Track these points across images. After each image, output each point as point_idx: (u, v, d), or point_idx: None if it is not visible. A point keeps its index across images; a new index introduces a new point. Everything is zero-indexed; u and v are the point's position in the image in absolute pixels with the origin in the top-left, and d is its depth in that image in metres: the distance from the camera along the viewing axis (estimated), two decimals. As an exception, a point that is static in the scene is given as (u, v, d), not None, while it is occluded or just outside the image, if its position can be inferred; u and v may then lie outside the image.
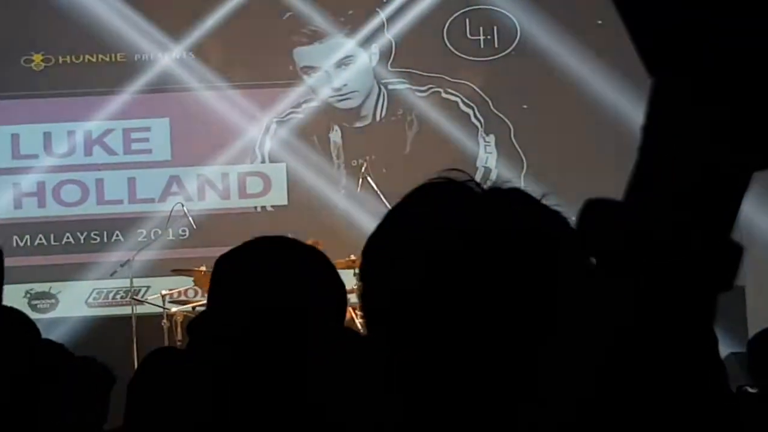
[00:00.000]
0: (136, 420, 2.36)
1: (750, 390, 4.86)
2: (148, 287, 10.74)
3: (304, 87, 11.83)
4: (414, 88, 11.89)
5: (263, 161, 11.83)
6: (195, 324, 2.43)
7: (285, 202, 11.77)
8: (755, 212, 10.96)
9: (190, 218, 10.95)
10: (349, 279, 9.98)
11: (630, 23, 1.25)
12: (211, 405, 2.14)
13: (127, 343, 10.05)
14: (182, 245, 11.12)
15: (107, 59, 11.51)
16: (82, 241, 11.31)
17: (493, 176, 11.25)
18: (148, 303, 10.17)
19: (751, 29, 1.16)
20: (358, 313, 9.53)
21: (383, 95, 11.96)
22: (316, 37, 11.82)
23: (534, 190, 1.35)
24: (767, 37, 1.15)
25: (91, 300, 11.16)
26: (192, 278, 10.03)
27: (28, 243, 11.28)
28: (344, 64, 11.88)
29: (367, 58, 11.90)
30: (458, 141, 11.69)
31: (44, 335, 3.21)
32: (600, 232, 1.22)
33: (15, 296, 10.26)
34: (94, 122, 11.41)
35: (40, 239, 11.31)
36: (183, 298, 10.25)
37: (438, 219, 1.28)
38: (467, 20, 11.93)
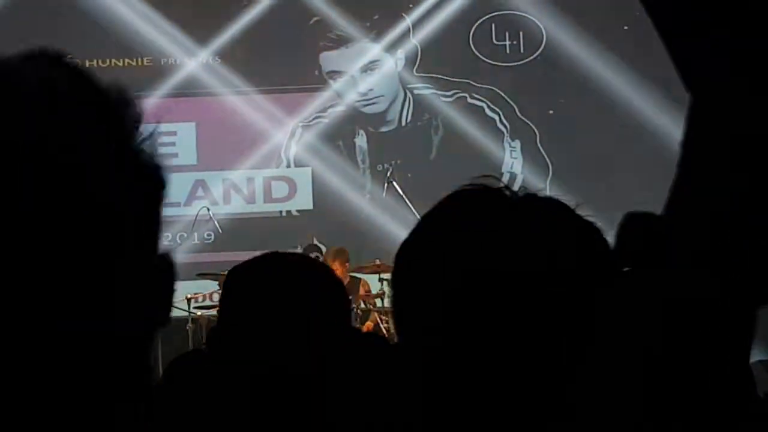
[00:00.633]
0: (163, 425, 2.36)
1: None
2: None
3: (329, 92, 11.85)
4: (439, 93, 11.89)
5: (288, 165, 11.86)
6: (213, 336, 2.44)
7: (310, 207, 11.79)
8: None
9: (216, 222, 10.98)
10: (374, 283, 10.04)
11: (667, 39, 1.24)
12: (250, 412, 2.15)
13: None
14: (207, 249, 11.16)
15: (134, 63, 11.56)
16: (108, 245, 11.34)
17: (518, 182, 11.22)
18: (173, 307, 10.19)
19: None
20: (383, 317, 9.54)
21: (409, 100, 11.96)
22: (342, 42, 11.83)
23: (566, 198, 1.34)
24: None
25: (116, 303, 11.19)
26: (217, 282, 10.06)
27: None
28: (370, 69, 11.89)
29: (392, 63, 11.91)
30: (484, 146, 11.68)
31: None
32: (640, 245, 1.21)
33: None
34: (121, 126, 11.44)
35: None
36: (208, 302, 10.28)
37: (473, 229, 1.27)
38: (493, 25, 11.92)
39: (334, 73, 11.89)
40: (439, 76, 11.90)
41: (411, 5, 11.86)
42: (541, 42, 11.86)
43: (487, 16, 11.90)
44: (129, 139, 0.86)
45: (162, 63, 11.57)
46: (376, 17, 11.84)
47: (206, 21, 11.55)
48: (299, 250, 10.50)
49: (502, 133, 11.85)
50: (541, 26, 11.84)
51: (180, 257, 10.85)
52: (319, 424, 2.12)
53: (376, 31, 11.85)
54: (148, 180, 0.87)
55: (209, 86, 11.58)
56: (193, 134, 11.61)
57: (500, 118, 11.85)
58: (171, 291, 0.91)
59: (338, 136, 11.85)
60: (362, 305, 9.52)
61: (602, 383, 1.25)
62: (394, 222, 10.75)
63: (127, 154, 0.85)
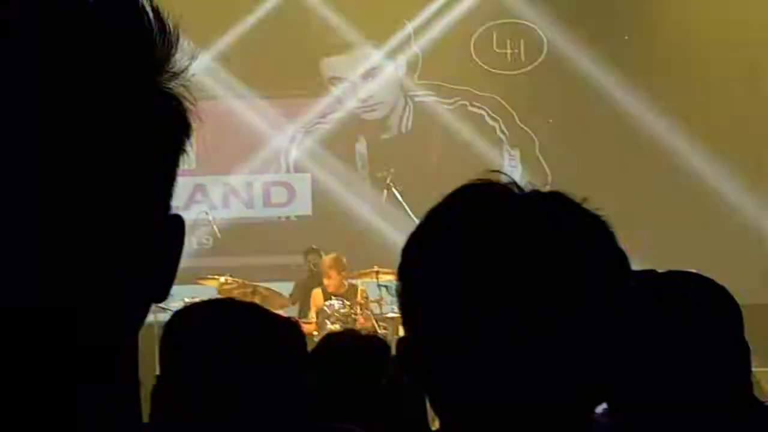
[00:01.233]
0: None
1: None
2: (171, 295, 10.76)
3: (330, 98, 11.86)
4: (440, 100, 11.90)
5: (288, 171, 11.86)
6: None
7: (309, 212, 11.79)
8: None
9: (214, 227, 10.97)
10: (373, 290, 10.03)
11: None
12: None
13: (150, 350, 10.05)
14: (206, 254, 11.16)
15: (135, 67, 11.56)
16: (106, 248, 11.34)
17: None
18: (171, 311, 10.19)
19: None
20: (381, 324, 9.53)
21: (409, 107, 11.97)
22: (343, 48, 11.84)
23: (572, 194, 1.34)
24: None
25: (114, 306, 11.18)
26: (215, 286, 10.06)
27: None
28: (371, 76, 11.90)
29: (393, 70, 11.92)
30: (483, 154, 11.68)
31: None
32: None
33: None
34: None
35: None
36: (206, 306, 10.27)
37: (480, 222, 1.27)
38: (494, 34, 11.93)
39: (335, 79, 11.89)
40: (440, 84, 11.91)
41: (413, 12, 11.87)
42: (542, 51, 11.86)
43: (488, 24, 11.91)
44: (157, 70, 0.81)
45: (163, 67, 11.56)
46: (377, 24, 11.84)
47: (208, 25, 11.55)
48: (299, 254, 10.50)
49: (502, 141, 11.86)
50: (543, 35, 11.85)
51: (178, 261, 10.84)
52: None
53: (378, 38, 11.86)
54: (168, 124, 0.82)
55: (210, 90, 11.58)
56: (192, 138, 11.59)
57: (500, 126, 11.86)
58: (177, 259, 0.83)
59: (338, 142, 11.86)
60: (359, 311, 9.52)
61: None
62: (393, 228, 10.74)
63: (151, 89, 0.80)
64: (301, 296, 10.11)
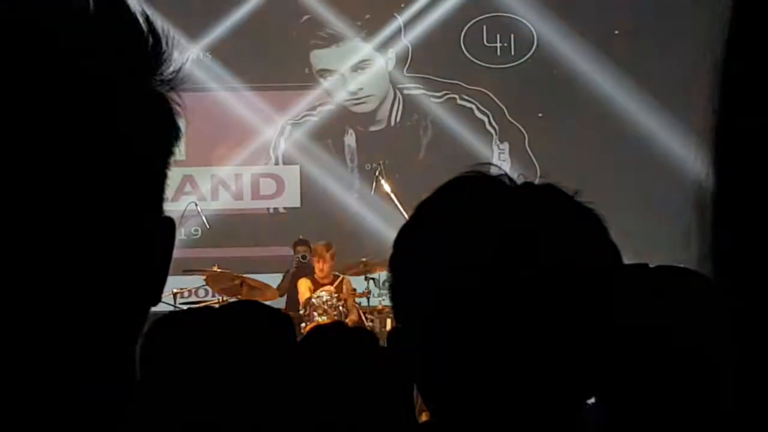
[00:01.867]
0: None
1: None
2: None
3: (319, 90, 11.84)
4: (430, 93, 11.89)
5: (277, 163, 11.84)
6: None
7: (298, 204, 11.78)
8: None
9: (203, 218, 10.96)
10: (360, 283, 10.02)
11: None
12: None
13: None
14: (194, 245, 11.14)
15: (124, 57, 11.54)
16: (94, 238, 11.32)
17: (506, 184, 11.21)
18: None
19: None
20: (368, 316, 9.53)
21: (399, 100, 11.96)
22: (333, 40, 11.82)
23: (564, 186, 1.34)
24: None
25: (102, 297, 11.16)
26: (203, 277, 10.05)
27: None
28: (360, 68, 11.88)
29: (383, 63, 11.91)
30: (472, 148, 11.68)
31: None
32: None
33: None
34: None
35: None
36: (194, 297, 10.27)
37: (473, 214, 1.27)
38: (484, 27, 11.93)
39: (325, 72, 11.88)
40: (430, 77, 11.90)
41: (403, 5, 11.86)
42: (532, 45, 11.86)
43: (478, 18, 11.90)
44: (151, 70, 0.81)
45: (152, 57, 11.54)
46: (367, 16, 11.83)
47: (197, 16, 11.53)
48: (287, 246, 10.50)
49: (491, 135, 11.86)
50: (533, 29, 11.85)
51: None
52: None
53: (368, 30, 11.85)
54: (160, 121, 0.83)
55: (199, 82, 11.55)
56: (181, 129, 11.57)
57: (489, 120, 11.86)
58: (168, 260, 0.83)
59: (327, 135, 11.84)
60: (347, 303, 9.52)
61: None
62: (382, 221, 10.75)
63: (145, 86, 0.80)
64: (290, 288, 10.11)
